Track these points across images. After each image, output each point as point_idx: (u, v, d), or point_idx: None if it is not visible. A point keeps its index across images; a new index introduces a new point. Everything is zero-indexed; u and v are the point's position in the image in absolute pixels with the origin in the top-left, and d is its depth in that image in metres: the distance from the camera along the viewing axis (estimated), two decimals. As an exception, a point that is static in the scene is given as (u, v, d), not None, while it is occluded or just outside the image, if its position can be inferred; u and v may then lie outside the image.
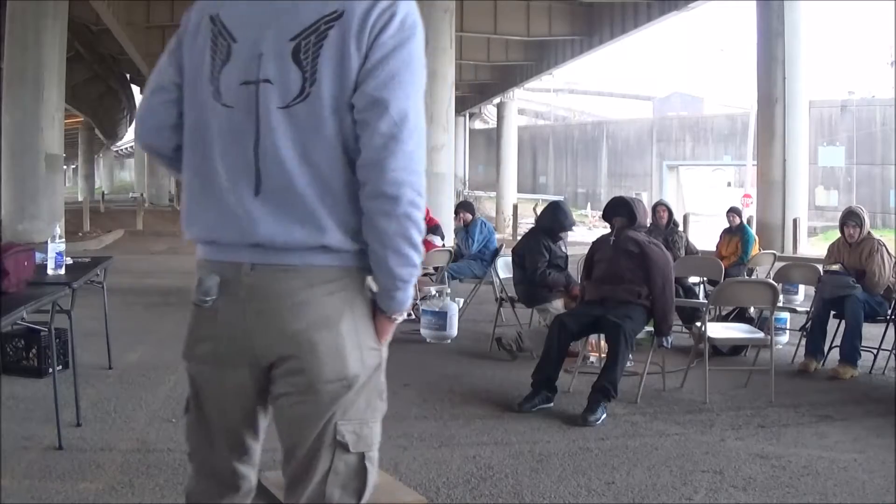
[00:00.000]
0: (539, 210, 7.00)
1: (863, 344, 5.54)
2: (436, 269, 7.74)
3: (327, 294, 1.57)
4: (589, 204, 37.29)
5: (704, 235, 15.13)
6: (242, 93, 1.55)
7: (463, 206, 8.43)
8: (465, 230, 8.09)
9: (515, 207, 23.21)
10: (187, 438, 1.73)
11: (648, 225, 6.25)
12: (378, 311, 1.63)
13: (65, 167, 34.97)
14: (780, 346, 6.17)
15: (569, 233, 6.36)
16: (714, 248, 8.97)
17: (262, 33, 1.55)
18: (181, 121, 1.67)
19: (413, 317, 7.43)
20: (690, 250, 7.95)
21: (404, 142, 1.53)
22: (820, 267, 6.15)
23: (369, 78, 1.52)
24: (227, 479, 1.69)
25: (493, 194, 35.50)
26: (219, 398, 1.66)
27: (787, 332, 6.55)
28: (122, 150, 66.40)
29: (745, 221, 9.15)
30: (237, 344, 1.59)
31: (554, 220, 6.07)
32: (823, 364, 5.68)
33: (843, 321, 5.62)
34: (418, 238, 1.58)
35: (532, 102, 56.96)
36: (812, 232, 22.38)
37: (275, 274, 1.56)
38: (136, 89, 37.04)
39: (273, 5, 1.56)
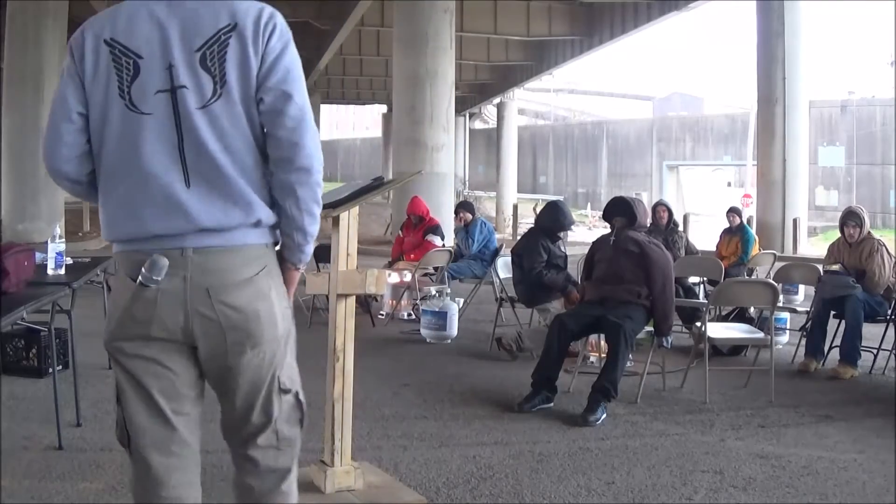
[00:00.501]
0: (538, 210, 7.00)
1: (863, 344, 5.54)
2: (436, 269, 7.74)
3: (259, 268, 1.87)
4: (589, 204, 37.28)
5: (704, 235, 15.13)
6: (160, 100, 1.79)
7: (463, 206, 8.42)
8: (464, 230, 8.09)
9: (515, 207, 23.19)
10: (129, 424, 1.93)
11: (648, 225, 6.25)
12: (286, 265, 1.95)
13: (65, 167, 34.87)
14: (780, 346, 6.17)
15: (569, 233, 6.36)
16: (714, 248, 8.97)
17: (167, 48, 1.80)
18: (89, 147, 1.87)
19: (413, 317, 7.46)
20: (690, 250, 7.95)
21: (310, 123, 1.85)
22: (820, 267, 6.15)
23: (270, 75, 1.82)
24: (180, 450, 1.93)
25: (493, 194, 35.49)
26: (164, 374, 1.87)
27: (787, 332, 6.56)
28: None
29: (745, 221, 9.15)
30: (180, 323, 1.82)
31: (553, 220, 6.07)
32: (823, 364, 5.68)
33: (843, 321, 5.62)
34: (320, 205, 1.91)
35: (532, 102, 56.96)
36: (812, 232, 22.38)
37: (215, 255, 1.82)
38: (136, 89, 37.02)
39: (168, 23, 1.81)
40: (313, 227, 1.91)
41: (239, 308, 1.83)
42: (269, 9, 1.89)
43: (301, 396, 2.00)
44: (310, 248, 1.94)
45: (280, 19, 1.90)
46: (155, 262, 1.78)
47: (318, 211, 1.90)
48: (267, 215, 1.86)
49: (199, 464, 2.01)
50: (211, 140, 1.80)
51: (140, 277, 1.79)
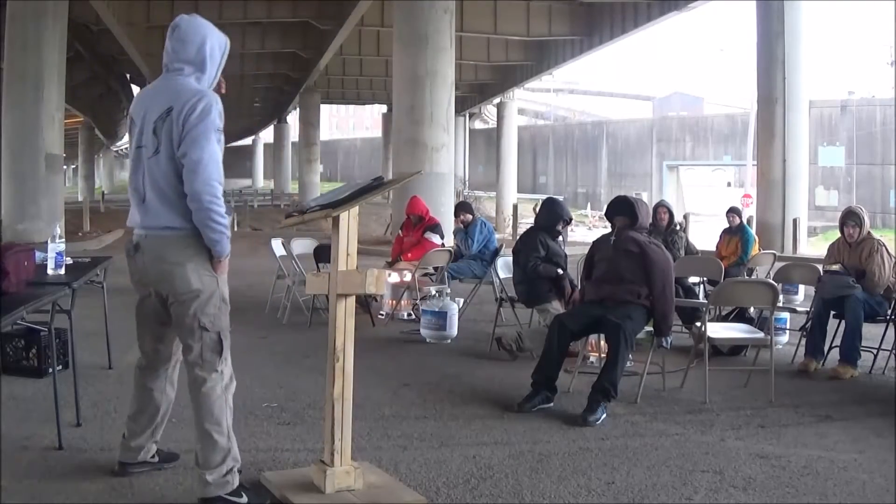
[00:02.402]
0: (538, 210, 7.00)
1: (863, 344, 5.54)
2: (436, 269, 7.74)
3: (178, 248, 3.00)
4: (589, 204, 37.31)
5: (704, 235, 15.13)
6: (135, 151, 3.08)
7: (462, 208, 8.39)
8: (464, 231, 8.09)
9: (515, 207, 23.18)
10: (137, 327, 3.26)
11: (649, 226, 6.25)
12: (214, 256, 3.04)
13: (65, 167, 34.96)
14: (780, 346, 6.17)
15: (569, 232, 6.36)
16: (714, 248, 8.97)
17: (142, 119, 3.05)
18: None
19: (413, 317, 7.45)
20: (690, 250, 7.95)
21: (200, 173, 2.90)
22: (820, 267, 6.15)
23: (182, 143, 2.93)
24: (152, 354, 3.26)
25: (493, 194, 35.49)
26: (144, 306, 3.19)
27: (787, 332, 6.56)
28: (121, 150, 66.29)
29: (745, 221, 9.15)
30: (144, 279, 3.12)
31: (549, 215, 6.09)
32: (823, 364, 5.68)
33: (843, 321, 5.62)
34: (219, 217, 2.95)
35: (532, 102, 57.00)
36: (812, 232, 22.38)
37: (153, 240, 3.04)
38: (135, 89, 37.04)
39: (147, 101, 3.09)
40: (213, 235, 2.96)
41: (163, 272, 3.03)
42: (199, 94, 2.95)
43: (224, 339, 3.05)
44: (219, 247, 3.00)
45: (204, 101, 2.93)
46: (128, 242, 3.15)
47: (214, 225, 2.94)
48: (182, 223, 2.98)
49: (171, 369, 3.29)
50: (155, 177, 2.99)
51: (125, 249, 3.18)
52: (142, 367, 3.27)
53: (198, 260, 3.00)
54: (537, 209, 6.54)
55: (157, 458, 3.35)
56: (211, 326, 3.00)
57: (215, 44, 3.07)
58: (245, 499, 3.01)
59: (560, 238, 6.28)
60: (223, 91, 3.16)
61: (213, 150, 2.91)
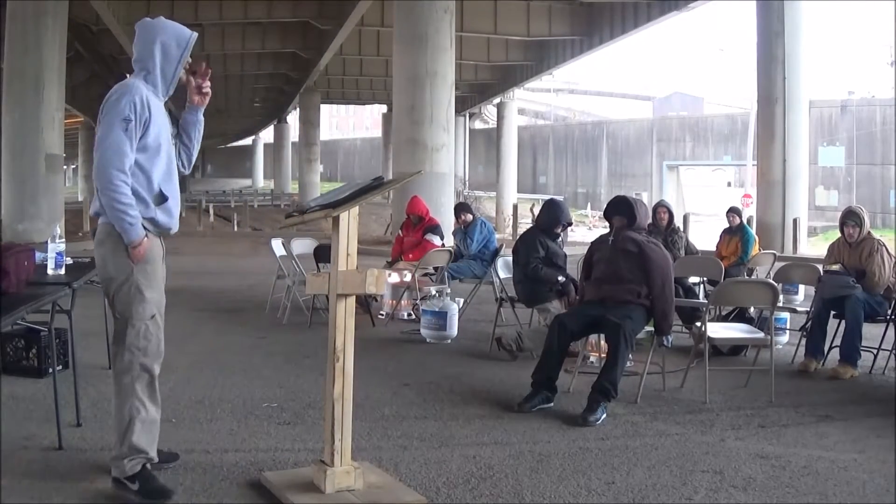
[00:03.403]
0: (537, 210, 7.00)
1: (863, 344, 5.53)
2: (436, 269, 7.74)
3: (101, 234, 3.12)
4: (589, 204, 37.32)
5: (704, 235, 15.13)
6: None
7: (462, 208, 8.35)
8: (463, 231, 8.07)
9: (515, 207, 23.19)
10: None
11: (647, 226, 6.25)
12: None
13: (65, 167, 34.92)
14: (780, 346, 6.17)
15: (569, 232, 6.35)
16: (714, 248, 8.97)
17: None
18: None
19: (413, 317, 7.45)
20: (690, 250, 7.94)
21: (97, 160, 3.04)
22: (820, 267, 6.15)
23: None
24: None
25: (493, 194, 35.51)
26: None
27: (787, 332, 6.55)
28: (122, 150, 66.24)
29: (745, 221, 9.15)
30: None
31: (550, 217, 6.08)
32: (823, 364, 5.68)
33: (843, 321, 5.61)
34: (118, 204, 3.01)
35: (532, 102, 57.00)
36: (812, 232, 22.39)
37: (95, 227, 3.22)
38: (136, 89, 36.94)
39: None
40: (115, 220, 3.02)
41: (96, 256, 3.20)
42: (118, 87, 3.09)
43: (134, 322, 3.09)
44: (126, 236, 3.04)
45: (118, 93, 3.05)
46: None
47: (115, 212, 3.01)
48: (97, 209, 3.12)
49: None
50: None
51: None
52: None
53: (114, 246, 3.08)
54: (535, 209, 6.54)
55: (156, 458, 3.35)
56: (120, 314, 3.10)
57: (170, 41, 3.14)
58: (137, 485, 3.06)
59: (560, 239, 6.27)
60: (203, 81, 3.26)
61: (115, 137, 2.98)
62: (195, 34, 3.23)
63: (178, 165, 3.35)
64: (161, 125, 3.16)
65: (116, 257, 3.09)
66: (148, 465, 3.13)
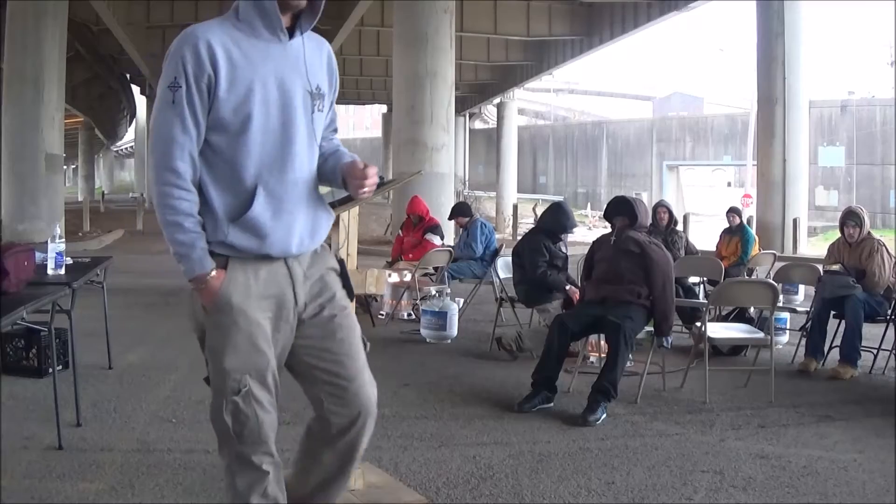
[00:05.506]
0: (538, 210, 6.99)
1: (863, 344, 5.53)
2: (436, 269, 7.74)
3: None
4: (589, 204, 37.28)
5: (704, 235, 15.13)
6: None
7: (459, 211, 8.26)
8: (465, 233, 8.04)
9: (515, 207, 23.17)
10: None
11: (648, 225, 6.25)
12: None
13: (65, 167, 34.96)
14: (780, 346, 6.17)
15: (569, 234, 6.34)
16: (714, 248, 8.97)
17: None
18: None
19: (413, 317, 7.45)
20: (690, 250, 7.94)
21: (151, 149, 2.09)
22: (820, 267, 6.15)
23: None
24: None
25: (493, 194, 35.47)
26: None
27: (787, 332, 6.55)
28: (122, 150, 66.37)
29: (745, 221, 9.14)
30: None
31: (555, 222, 6.06)
32: (823, 364, 5.68)
33: (843, 321, 5.61)
34: (167, 217, 2.04)
35: (532, 102, 56.99)
36: (812, 232, 22.37)
37: None
38: (136, 89, 37.01)
39: None
40: (169, 242, 2.08)
41: None
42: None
43: (215, 396, 2.22)
44: (181, 263, 2.07)
45: (170, 48, 2.09)
46: None
47: (163, 225, 2.06)
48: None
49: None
50: None
51: None
52: None
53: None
54: (537, 209, 6.53)
55: None
56: (208, 370, 2.26)
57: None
58: None
59: (561, 241, 6.26)
60: (363, 181, 2.49)
61: (160, 120, 2.04)
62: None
63: (313, 147, 2.26)
64: (256, 79, 2.06)
65: (193, 300, 2.17)
66: None
